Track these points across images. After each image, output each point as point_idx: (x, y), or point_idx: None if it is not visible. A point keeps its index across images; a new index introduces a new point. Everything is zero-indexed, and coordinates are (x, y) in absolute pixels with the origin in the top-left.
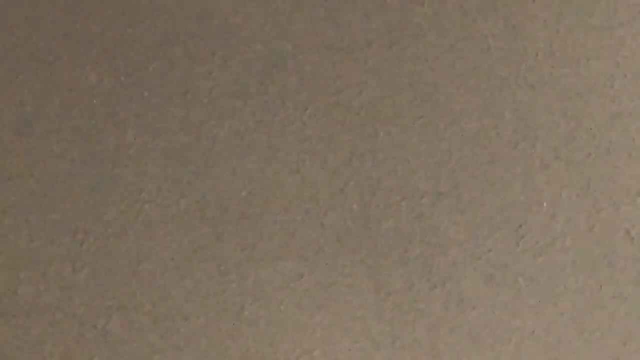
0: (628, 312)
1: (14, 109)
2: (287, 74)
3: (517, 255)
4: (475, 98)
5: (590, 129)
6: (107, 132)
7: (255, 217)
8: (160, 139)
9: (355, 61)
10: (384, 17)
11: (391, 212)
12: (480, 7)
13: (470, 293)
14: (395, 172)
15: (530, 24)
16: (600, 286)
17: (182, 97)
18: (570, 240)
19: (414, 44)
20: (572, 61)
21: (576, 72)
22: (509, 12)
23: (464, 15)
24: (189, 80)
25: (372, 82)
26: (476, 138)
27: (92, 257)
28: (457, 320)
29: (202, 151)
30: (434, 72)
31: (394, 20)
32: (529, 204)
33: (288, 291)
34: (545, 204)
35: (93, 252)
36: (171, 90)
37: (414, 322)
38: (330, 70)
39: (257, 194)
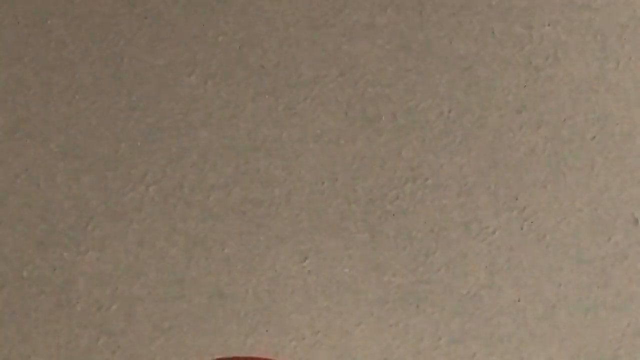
0: (632, 295)
1: (21, 95)
2: (290, 57)
3: (521, 238)
4: (479, 80)
5: (595, 111)
6: (112, 114)
7: (258, 199)
8: (165, 122)
9: (359, 45)
10: (387, 3)
11: (394, 194)
12: None
13: (473, 275)
14: (398, 154)
15: (536, 7)
16: (605, 269)
17: (186, 80)
18: (575, 223)
19: (417, 29)
20: (577, 43)
21: (580, 54)
22: None
23: (469, 4)
24: (192, 65)
25: (376, 65)
26: (480, 120)
27: (97, 239)
28: (460, 303)
29: (206, 133)
30: (438, 55)
31: (398, 6)
32: (533, 186)
33: (291, 273)
34: (549, 187)
35: (97, 235)
36: (175, 74)
37: (417, 304)
38: (334, 53)
39: (261, 177)
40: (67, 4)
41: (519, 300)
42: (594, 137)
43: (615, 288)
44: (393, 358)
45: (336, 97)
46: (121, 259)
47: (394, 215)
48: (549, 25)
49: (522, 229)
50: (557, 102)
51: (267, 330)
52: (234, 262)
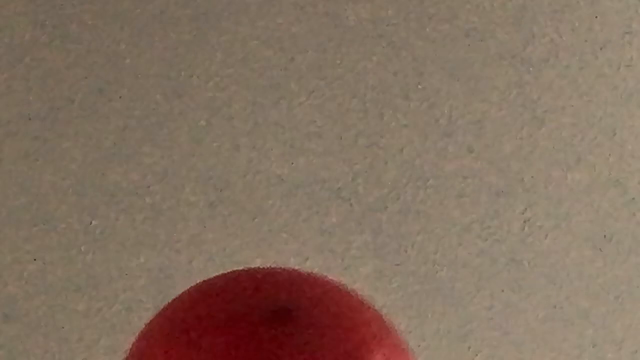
0: (634, 295)
1: (22, 95)
2: (292, 56)
3: (522, 238)
4: (481, 80)
5: (596, 111)
6: (113, 114)
7: (259, 200)
8: (166, 122)
9: (361, 43)
10: (388, 4)
11: (396, 195)
12: None
13: (475, 276)
14: (399, 155)
15: (537, 7)
16: (606, 269)
17: (187, 81)
18: (576, 224)
19: (419, 28)
20: (579, 42)
21: (582, 53)
22: None
23: (470, 3)
24: (193, 64)
25: (377, 64)
26: (481, 121)
27: (98, 240)
28: (462, 304)
29: (206, 135)
30: (440, 54)
31: (398, 6)
32: (534, 187)
33: None
34: (550, 187)
35: (99, 235)
36: (176, 75)
37: (419, 305)
38: (336, 52)
39: (262, 177)
40: (67, 5)
41: (520, 301)
42: (596, 138)
43: (616, 288)
44: None
45: (337, 97)
46: (122, 259)
47: (394, 216)
48: (550, 25)
49: (523, 229)
50: (559, 102)
51: None
52: (235, 263)
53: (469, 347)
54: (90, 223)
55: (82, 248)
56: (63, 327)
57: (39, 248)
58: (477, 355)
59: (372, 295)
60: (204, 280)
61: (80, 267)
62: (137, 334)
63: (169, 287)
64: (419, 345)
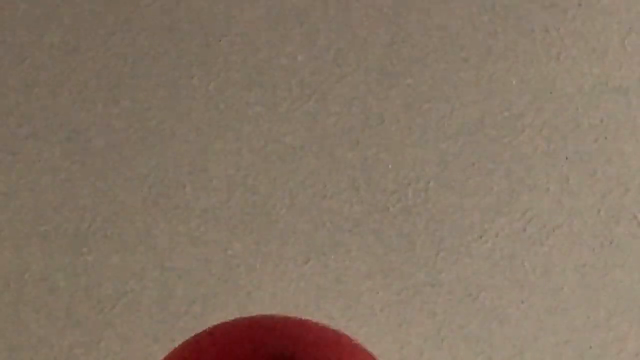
0: (635, 297)
1: (23, 95)
2: (293, 60)
3: (523, 240)
4: (482, 83)
5: (597, 113)
6: (114, 115)
7: (260, 201)
8: (167, 123)
9: (360, 46)
10: (389, 5)
11: (398, 196)
12: None
13: (476, 277)
14: (401, 156)
15: (538, 9)
16: (607, 271)
17: (187, 81)
18: (577, 226)
19: (419, 30)
20: (579, 45)
21: (583, 56)
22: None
23: (471, 2)
24: (194, 65)
25: (378, 66)
26: (482, 123)
27: (99, 241)
28: (463, 305)
29: (208, 135)
30: (440, 57)
31: (399, 7)
32: (536, 189)
33: (294, 276)
34: (551, 189)
35: (100, 237)
36: (176, 76)
37: (420, 306)
38: (335, 54)
39: (263, 178)
40: (69, 6)
41: (522, 302)
42: (597, 140)
43: (618, 290)
44: None
45: (338, 98)
46: (123, 261)
47: (396, 217)
48: (551, 27)
49: (524, 230)
50: (560, 104)
51: None
52: (236, 263)
53: (470, 348)
54: (91, 224)
55: (83, 249)
56: (63, 328)
57: (40, 249)
58: (477, 356)
59: (373, 296)
60: (202, 331)
61: (80, 268)
62: (137, 336)
63: (170, 289)
64: (420, 346)
